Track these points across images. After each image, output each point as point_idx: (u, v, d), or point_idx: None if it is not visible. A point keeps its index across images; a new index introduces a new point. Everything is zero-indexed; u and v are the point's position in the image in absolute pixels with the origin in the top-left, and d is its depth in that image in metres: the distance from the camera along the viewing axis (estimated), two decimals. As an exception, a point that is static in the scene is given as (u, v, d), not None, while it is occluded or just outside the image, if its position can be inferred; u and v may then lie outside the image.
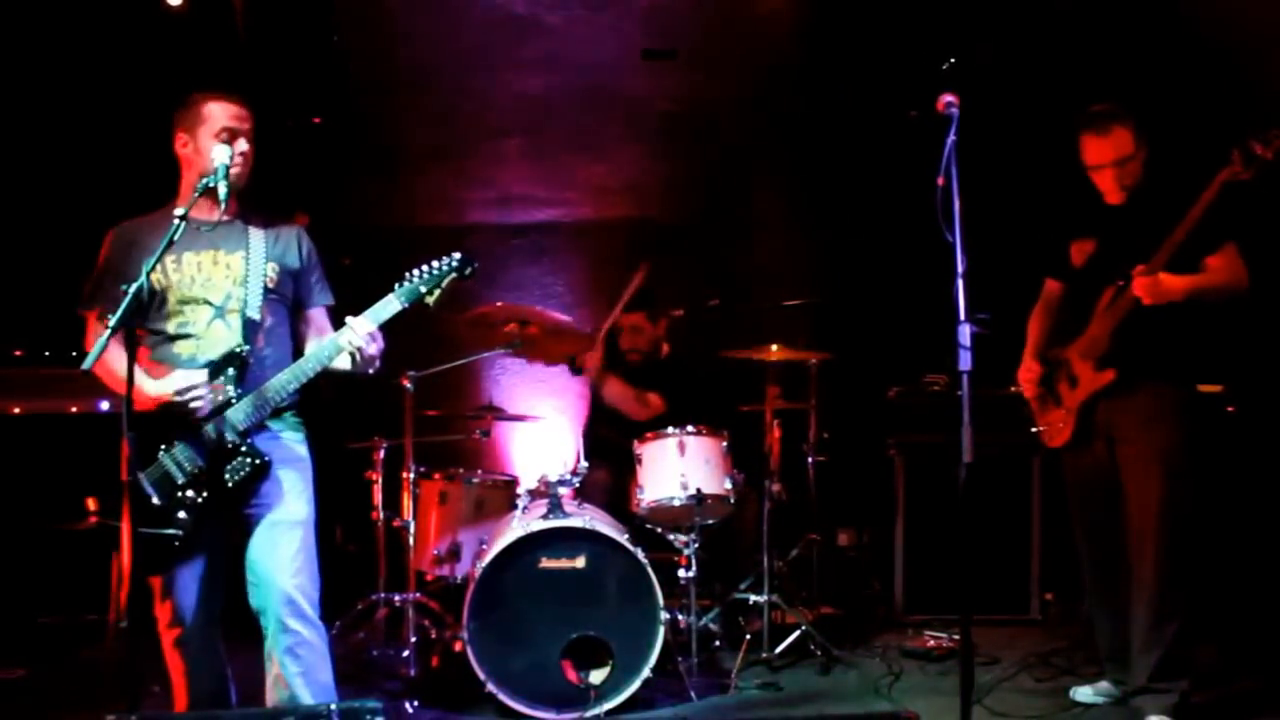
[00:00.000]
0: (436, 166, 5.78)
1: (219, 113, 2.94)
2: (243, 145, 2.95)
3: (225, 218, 2.92)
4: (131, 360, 2.61)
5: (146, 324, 2.92)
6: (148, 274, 2.65)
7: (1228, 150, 3.18)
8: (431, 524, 4.43)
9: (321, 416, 3.19)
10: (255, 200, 3.09)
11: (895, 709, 3.69)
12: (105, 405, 4.00)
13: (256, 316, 2.94)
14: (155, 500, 2.81)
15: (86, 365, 2.63)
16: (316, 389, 3.00)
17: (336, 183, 5.37)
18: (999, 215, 4.43)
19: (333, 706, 2.53)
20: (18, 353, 4.25)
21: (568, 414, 5.23)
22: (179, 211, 2.72)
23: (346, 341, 2.87)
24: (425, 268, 2.96)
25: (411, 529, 4.25)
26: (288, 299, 3.07)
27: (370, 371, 2.97)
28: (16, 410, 4.07)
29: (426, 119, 5.62)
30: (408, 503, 4.27)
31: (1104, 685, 3.70)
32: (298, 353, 3.07)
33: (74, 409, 3.99)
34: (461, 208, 5.90)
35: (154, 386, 2.84)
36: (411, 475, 4.28)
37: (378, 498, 4.45)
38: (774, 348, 4.51)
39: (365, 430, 4.48)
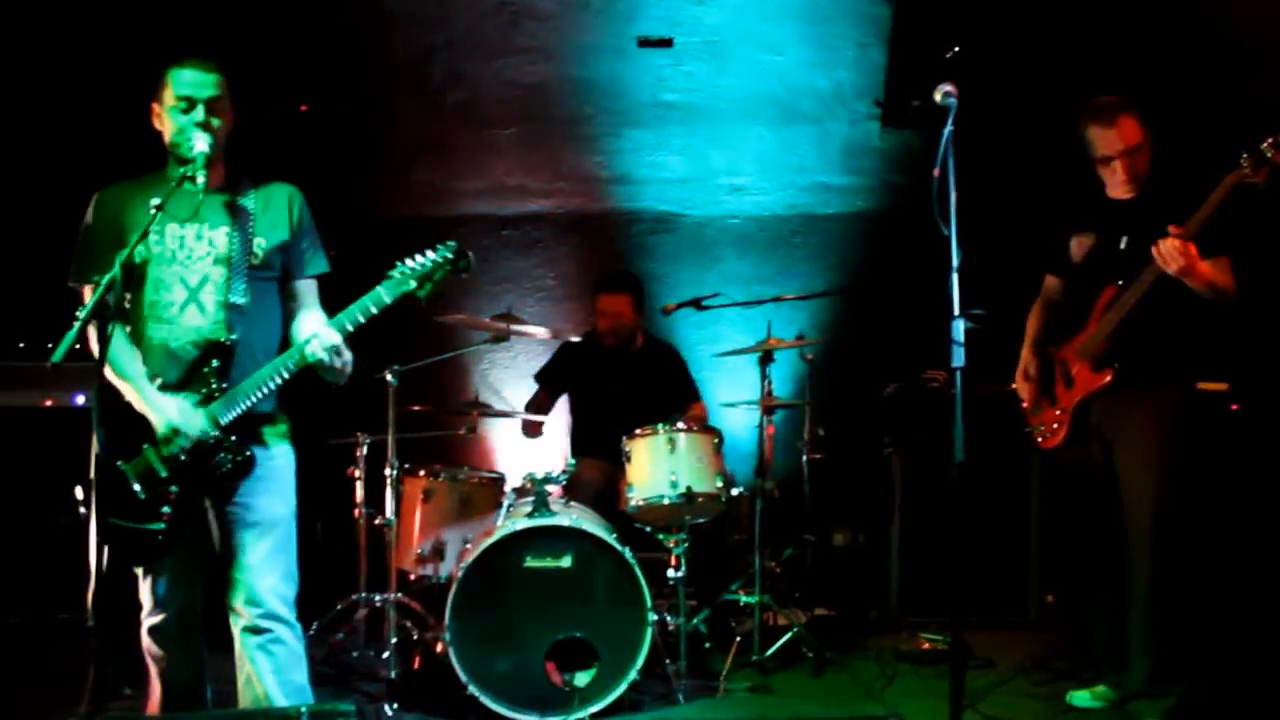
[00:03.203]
0: (427, 156, 5.70)
1: (175, 81, 2.78)
2: (199, 114, 2.76)
3: (207, 186, 2.74)
4: (103, 353, 2.50)
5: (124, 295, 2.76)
6: (120, 265, 2.51)
7: (1237, 152, 3.10)
8: (414, 522, 4.34)
9: (303, 411, 3.09)
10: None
11: (885, 713, 3.62)
12: (81, 399, 3.93)
13: (240, 301, 2.80)
14: (139, 494, 2.73)
15: (56, 358, 2.53)
16: (299, 384, 2.87)
17: (325, 171, 5.27)
18: (997, 208, 4.36)
19: (303, 709, 2.46)
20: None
21: (555, 410, 5.15)
22: (155, 201, 2.59)
23: (311, 352, 2.73)
24: (414, 260, 2.77)
25: (394, 527, 4.17)
26: (276, 273, 2.91)
27: (341, 382, 2.83)
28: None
29: (417, 108, 5.54)
30: (390, 500, 4.19)
31: (1101, 689, 3.65)
32: (286, 329, 2.93)
33: (48, 403, 3.92)
34: (452, 198, 5.83)
35: (158, 410, 2.73)
36: (394, 472, 4.20)
37: (359, 495, 4.38)
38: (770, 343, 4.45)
39: (347, 426, 4.41)
